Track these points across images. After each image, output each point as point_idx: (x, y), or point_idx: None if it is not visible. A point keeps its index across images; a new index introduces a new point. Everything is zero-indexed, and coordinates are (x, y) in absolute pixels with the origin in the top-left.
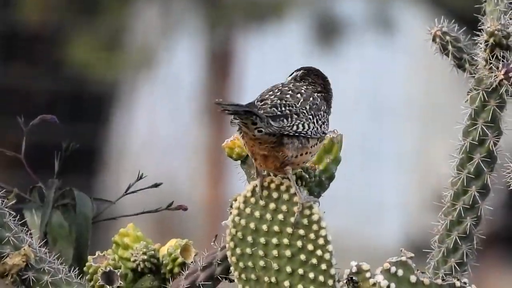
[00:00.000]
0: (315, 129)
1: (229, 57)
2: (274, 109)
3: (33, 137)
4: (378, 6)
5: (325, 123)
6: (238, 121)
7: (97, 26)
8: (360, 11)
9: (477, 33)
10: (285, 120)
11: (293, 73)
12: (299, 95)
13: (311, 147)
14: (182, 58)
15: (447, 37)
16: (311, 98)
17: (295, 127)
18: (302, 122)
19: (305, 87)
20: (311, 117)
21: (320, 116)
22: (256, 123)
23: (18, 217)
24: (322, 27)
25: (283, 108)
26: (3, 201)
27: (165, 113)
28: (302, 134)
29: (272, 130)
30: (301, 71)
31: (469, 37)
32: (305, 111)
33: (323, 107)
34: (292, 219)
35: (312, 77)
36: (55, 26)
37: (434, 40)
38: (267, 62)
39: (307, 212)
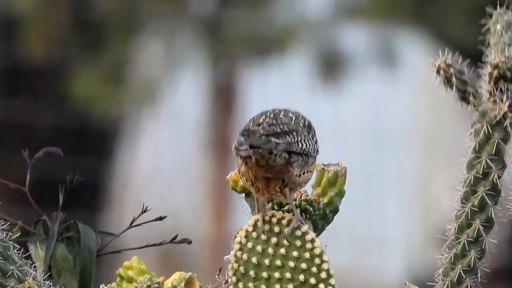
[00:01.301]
0: (312, 146)
1: (232, 91)
2: (274, 127)
3: (37, 171)
4: (381, 40)
5: (317, 142)
6: (252, 151)
7: (100, 60)
8: (363, 45)
9: (481, 65)
10: (287, 137)
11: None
12: (290, 114)
13: (311, 165)
14: (186, 92)
15: (451, 69)
16: (300, 118)
17: (300, 144)
18: (302, 139)
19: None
20: (306, 133)
21: (313, 134)
22: (272, 152)
23: (22, 250)
24: (325, 61)
25: (281, 126)
26: (8, 234)
27: (168, 146)
28: (305, 152)
29: (281, 150)
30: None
31: (473, 70)
32: (300, 129)
33: (312, 128)
34: (295, 253)
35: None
36: (58, 61)
37: (438, 72)
38: (270, 96)
39: (309, 245)
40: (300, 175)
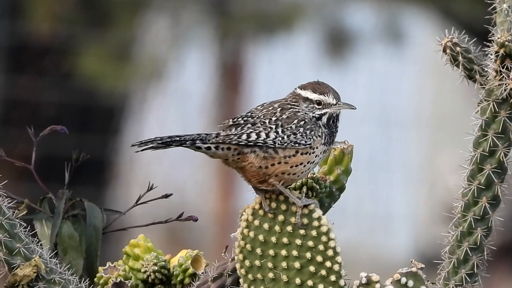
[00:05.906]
0: (279, 138)
1: (239, 69)
2: (231, 120)
3: (43, 148)
4: (388, 17)
5: (301, 134)
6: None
7: (107, 38)
8: (370, 22)
9: (488, 44)
10: (233, 129)
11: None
12: (271, 108)
13: (285, 157)
14: (192, 69)
15: (458, 48)
16: (287, 113)
17: (244, 136)
18: (257, 132)
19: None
20: (273, 126)
21: (290, 128)
22: (199, 147)
23: (28, 228)
24: (332, 38)
25: (240, 120)
26: (14, 212)
27: (175, 124)
28: (259, 143)
29: (215, 141)
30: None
31: (480, 48)
32: (266, 121)
33: (299, 120)
34: (302, 231)
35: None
36: (64, 38)
37: (444, 51)
38: (276, 74)
39: (315, 223)
40: (267, 167)
